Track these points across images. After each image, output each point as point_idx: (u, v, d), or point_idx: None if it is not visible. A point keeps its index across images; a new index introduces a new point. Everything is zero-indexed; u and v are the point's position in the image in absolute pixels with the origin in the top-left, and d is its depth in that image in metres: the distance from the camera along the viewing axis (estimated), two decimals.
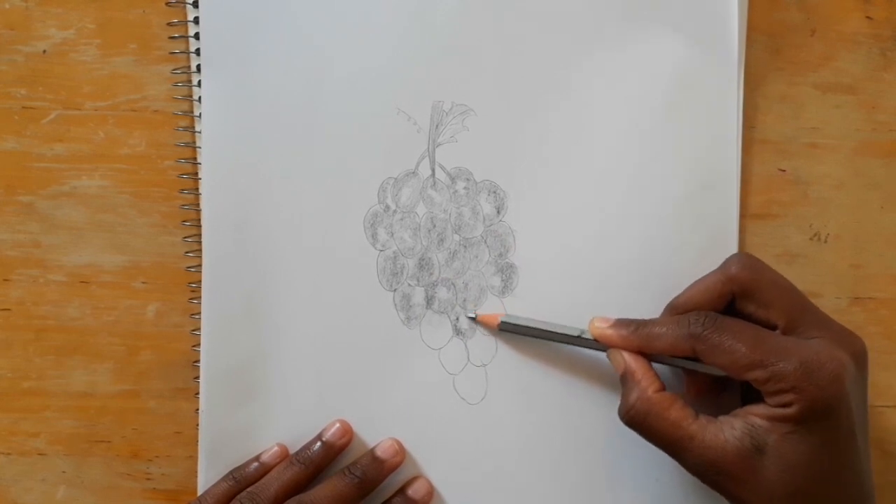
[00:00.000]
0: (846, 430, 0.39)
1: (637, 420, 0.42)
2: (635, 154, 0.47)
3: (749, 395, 0.42)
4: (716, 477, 0.40)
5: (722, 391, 0.45)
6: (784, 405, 0.39)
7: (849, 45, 0.49)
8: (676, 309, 0.44)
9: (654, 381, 0.42)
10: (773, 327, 0.42)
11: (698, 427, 0.40)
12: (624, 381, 0.43)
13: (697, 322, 0.41)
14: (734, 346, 0.40)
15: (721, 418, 0.41)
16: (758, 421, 0.39)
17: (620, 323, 0.44)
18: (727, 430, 0.40)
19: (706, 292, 0.43)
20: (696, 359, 0.42)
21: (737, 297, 0.43)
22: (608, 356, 0.44)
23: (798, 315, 0.42)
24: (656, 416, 0.41)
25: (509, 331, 0.46)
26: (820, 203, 0.49)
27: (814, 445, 0.39)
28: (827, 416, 0.39)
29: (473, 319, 0.47)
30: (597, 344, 0.44)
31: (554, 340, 0.45)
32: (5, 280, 0.48)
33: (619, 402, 0.43)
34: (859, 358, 0.41)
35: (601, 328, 0.44)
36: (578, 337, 0.45)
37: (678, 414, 0.41)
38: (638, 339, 0.43)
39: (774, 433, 0.39)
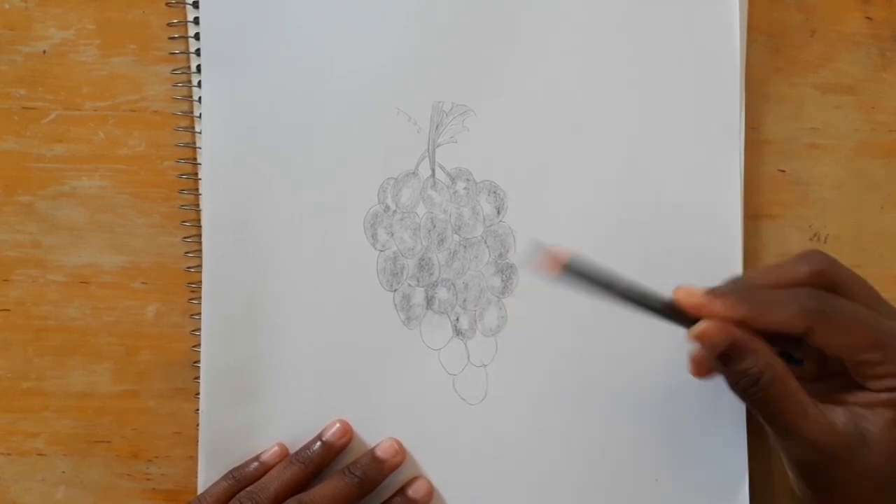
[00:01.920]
0: None
1: (767, 384, 0.38)
2: (636, 154, 0.47)
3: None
4: (819, 459, 0.38)
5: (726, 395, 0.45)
6: (891, 389, 0.38)
7: (848, 45, 0.49)
8: (758, 282, 0.40)
9: (770, 349, 0.38)
10: None
11: (812, 403, 0.38)
12: (732, 355, 0.38)
13: (817, 297, 0.38)
14: (854, 326, 0.38)
15: (822, 404, 0.39)
16: (859, 409, 0.38)
17: (717, 291, 0.39)
18: (835, 412, 0.38)
19: (791, 279, 0.40)
20: (790, 340, 0.39)
21: (821, 288, 0.40)
22: (696, 334, 0.38)
23: (880, 302, 0.40)
24: (781, 383, 0.38)
25: (575, 278, 0.38)
26: (820, 203, 0.49)
27: None
28: None
29: (540, 249, 0.38)
30: (679, 316, 0.39)
31: (623, 302, 0.38)
32: (5, 280, 0.48)
33: (618, 403, 0.43)
34: None
35: (695, 295, 0.38)
36: (659, 305, 0.39)
37: (795, 385, 0.38)
38: (747, 307, 0.38)
39: (879, 421, 0.38)
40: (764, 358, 0.38)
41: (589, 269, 0.38)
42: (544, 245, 0.38)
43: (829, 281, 0.40)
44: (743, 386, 0.38)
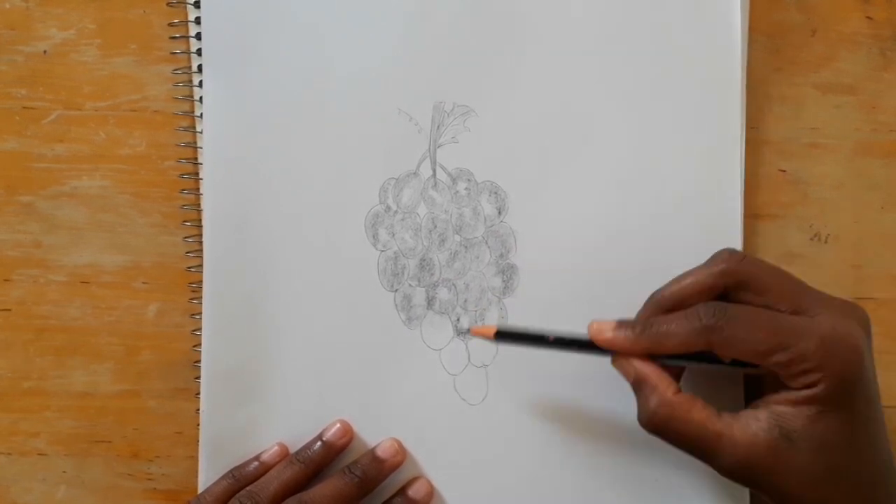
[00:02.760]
0: (870, 401, 0.39)
1: (661, 426, 0.40)
2: (637, 154, 0.47)
3: (756, 386, 0.42)
4: (750, 472, 0.39)
5: (723, 385, 0.45)
6: (809, 385, 0.38)
7: (849, 45, 0.49)
8: (663, 302, 0.42)
9: (670, 384, 0.40)
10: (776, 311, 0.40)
11: (724, 425, 0.39)
12: (638, 388, 0.41)
13: (709, 313, 0.39)
14: (752, 334, 0.39)
15: (743, 413, 0.40)
16: (782, 408, 0.39)
17: (624, 325, 0.41)
18: (754, 424, 0.39)
19: (694, 287, 0.41)
20: (703, 356, 0.40)
21: (731, 290, 0.41)
22: (614, 363, 0.42)
23: (800, 295, 0.40)
24: (679, 419, 0.39)
25: (506, 341, 0.44)
26: (820, 203, 0.49)
27: (844, 421, 0.38)
28: (853, 389, 0.38)
29: (466, 333, 0.47)
30: (601, 350, 0.42)
31: (554, 349, 0.43)
32: (6, 280, 0.48)
33: (618, 403, 0.43)
34: (867, 327, 0.40)
35: (604, 333, 0.41)
36: (583, 343, 0.42)
37: (701, 414, 0.39)
38: (647, 340, 0.40)
39: (801, 417, 0.38)
40: (662, 395, 0.40)
41: (515, 332, 0.43)
42: (474, 326, 0.46)
43: (736, 280, 0.41)
44: (643, 421, 0.41)
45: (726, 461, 0.39)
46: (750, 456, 0.38)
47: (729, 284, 0.41)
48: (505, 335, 0.43)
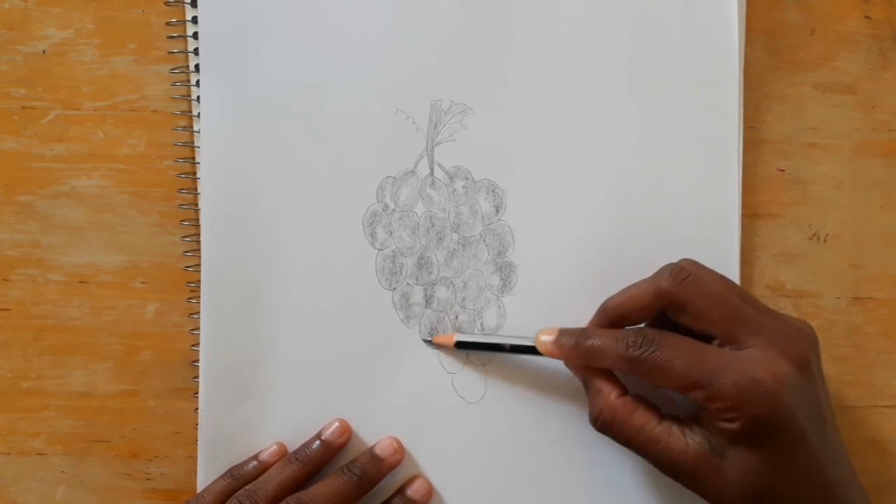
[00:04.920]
0: (794, 439, 0.39)
1: (605, 427, 0.42)
2: (635, 153, 0.47)
3: None
4: (682, 477, 0.40)
5: None
6: (727, 420, 0.39)
7: (848, 44, 0.49)
8: (608, 313, 0.44)
9: (615, 387, 0.43)
10: (710, 338, 0.41)
11: (662, 430, 0.41)
12: (586, 390, 0.44)
13: (635, 344, 0.41)
14: (671, 368, 0.40)
15: (685, 419, 0.41)
16: (713, 426, 0.40)
17: (564, 334, 0.44)
18: (688, 434, 0.40)
19: (636, 301, 0.43)
20: None
21: (667, 309, 0.42)
22: (566, 365, 0.45)
23: (734, 325, 0.40)
24: (621, 422, 0.42)
25: (466, 348, 0.46)
26: (819, 203, 0.49)
27: (762, 456, 0.39)
28: (769, 430, 0.39)
29: (430, 343, 0.47)
30: None
31: (510, 352, 0.45)
32: (5, 280, 0.48)
33: None
34: (801, 362, 0.40)
35: (545, 342, 0.44)
36: (533, 348, 0.45)
37: (642, 418, 0.41)
38: (578, 354, 0.43)
39: (726, 442, 0.39)
40: (605, 398, 0.42)
41: (472, 341, 0.46)
42: (435, 335, 0.47)
43: (672, 302, 0.41)
44: (590, 421, 0.43)
45: (663, 463, 0.41)
46: (682, 462, 0.40)
47: (666, 305, 0.42)
48: (464, 344, 0.46)
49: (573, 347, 0.43)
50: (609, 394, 0.42)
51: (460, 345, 0.46)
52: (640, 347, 0.41)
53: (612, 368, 0.43)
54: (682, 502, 0.45)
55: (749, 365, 0.39)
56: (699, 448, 0.40)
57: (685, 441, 0.40)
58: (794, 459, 0.39)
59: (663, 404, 0.43)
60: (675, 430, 0.41)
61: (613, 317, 0.43)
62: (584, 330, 0.43)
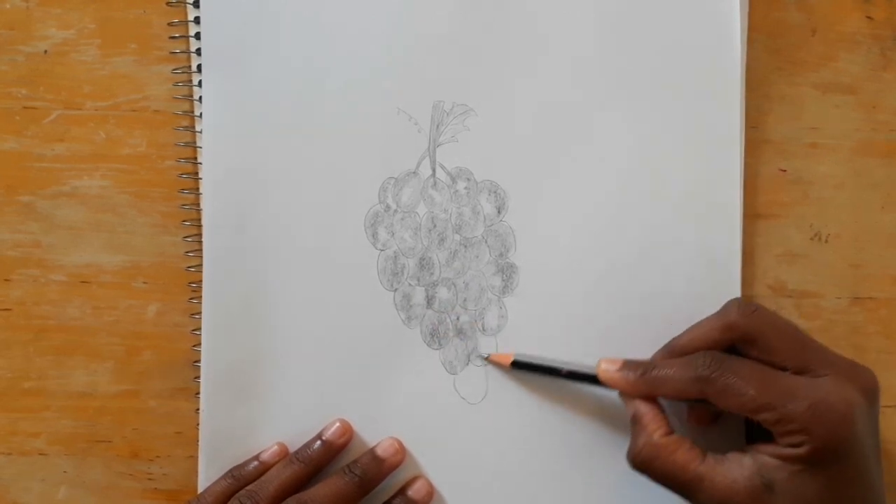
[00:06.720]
0: (858, 469, 0.39)
1: (644, 465, 0.42)
2: (636, 153, 0.47)
3: (756, 425, 0.42)
4: None
5: (724, 419, 0.45)
6: (794, 445, 0.39)
7: (849, 44, 0.49)
8: (676, 350, 0.44)
9: (661, 425, 0.42)
10: (781, 369, 0.41)
11: (707, 468, 0.40)
12: (632, 424, 0.43)
13: (705, 364, 0.41)
14: (743, 389, 0.40)
15: (730, 455, 0.41)
16: (768, 459, 0.39)
17: (628, 366, 0.43)
18: (736, 470, 0.40)
19: (705, 337, 0.43)
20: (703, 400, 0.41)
21: (737, 343, 0.42)
22: (620, 397, 0.44)
23: (805, 354, 0.41)
24: (663, 460, 0.41)
25: (521, 369, 0.46)
26: (820, 203, 0.49)
27: (824, 485, 0.39)
28: (837, 456, 0.39)
29: (486, 358, 0.47)
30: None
31: (566, 378, 0.45)
32: (5, 280, 0.48)
33: (617, 402, 0.43)
34: (870, 393, 0.41)
35: (609, 372, 0.44)
36: (593, 377, 0.44)
37: (685, 456, 0.41)
38: (645, 384, 0.42)
39: (784, 471, 0.39)
40: (649, 436, 0.42)
41: (528, 362, 0.46)
42: (492, 353, 0.47)
43: (741, 335, 0.42)
44: (629, 458, 0.43)
45: (705, 502, 0.40)
46: (730, 500, 0.39)
47: (736, 338, 0.42)
48: (521, 365, 0.46)
49: (639, 378, 0.43)
50: (654, 432, 0.42)
51: (516, 364, 0.46)
52: (711, 367, 0.40)
53: (678, 395, 0.42)
54: (682, 502, 0.46)
55: (823, 390, 0.39)
56: (748, 483, 0.39)
57: (732, 476, 0.40)
58: (850, 493, 0.39)
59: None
60: (721, 467, 0.40)
61: (678, 354, 0.43)
62: (648, 362, 0.43)
